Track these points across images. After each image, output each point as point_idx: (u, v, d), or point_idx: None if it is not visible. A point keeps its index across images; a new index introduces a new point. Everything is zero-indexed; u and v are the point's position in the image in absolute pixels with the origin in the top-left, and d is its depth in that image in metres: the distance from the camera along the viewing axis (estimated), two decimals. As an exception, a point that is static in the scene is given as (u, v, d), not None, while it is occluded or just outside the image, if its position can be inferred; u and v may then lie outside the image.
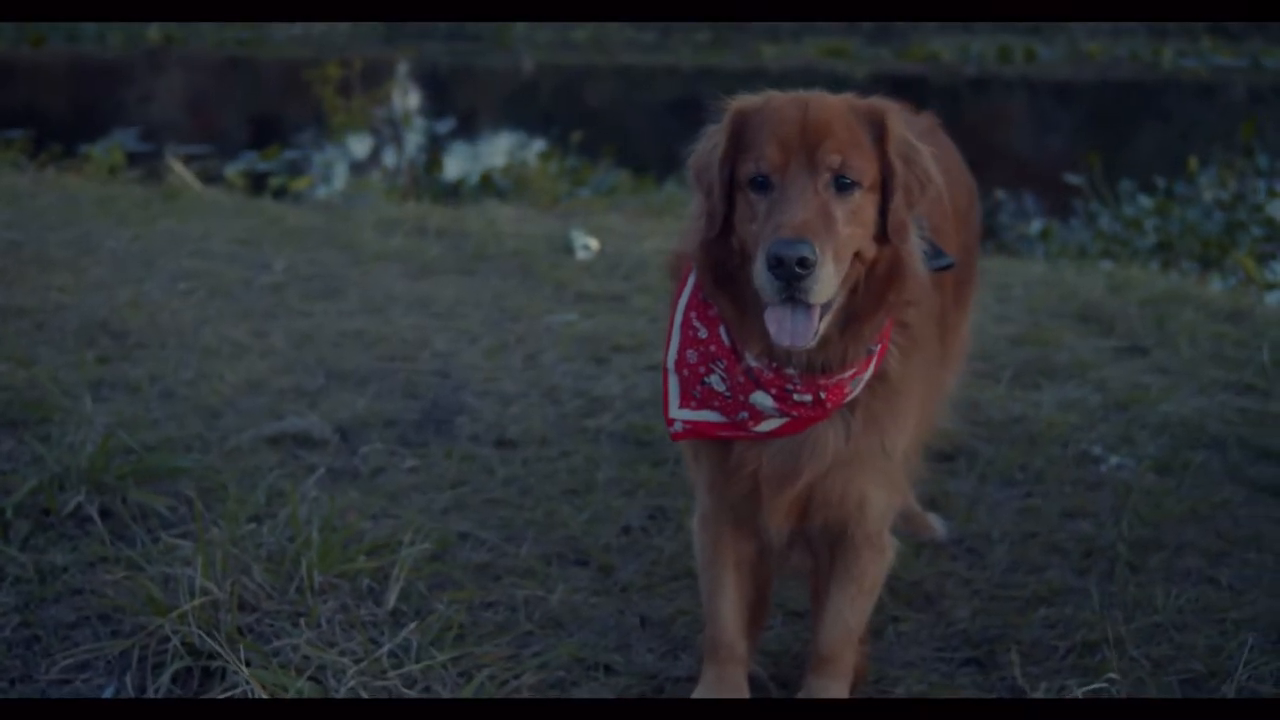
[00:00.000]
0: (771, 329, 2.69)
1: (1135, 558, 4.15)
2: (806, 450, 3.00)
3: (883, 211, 2.80)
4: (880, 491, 3.13)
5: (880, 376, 2.99)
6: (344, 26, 44.75)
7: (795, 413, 2.91)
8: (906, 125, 2.92)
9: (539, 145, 16.26)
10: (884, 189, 2.81)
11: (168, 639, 3.47)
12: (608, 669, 3.61)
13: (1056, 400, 5.48)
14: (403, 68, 32.89)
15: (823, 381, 2.87)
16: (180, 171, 11.15)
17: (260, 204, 10.38)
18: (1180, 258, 10.24)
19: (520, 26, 43.46)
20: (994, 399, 5.48)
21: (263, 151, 15.40)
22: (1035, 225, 12.00)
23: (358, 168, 15.75)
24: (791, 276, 2.58)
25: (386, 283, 7.48)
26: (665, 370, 3.09)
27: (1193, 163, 12.23)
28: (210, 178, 11.97)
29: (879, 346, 2.93)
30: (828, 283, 2.63)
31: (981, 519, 4.46)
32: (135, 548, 4.04)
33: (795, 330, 2.67)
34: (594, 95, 32.17)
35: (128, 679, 3.46)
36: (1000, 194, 13.63)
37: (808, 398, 2.88)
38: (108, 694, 3.45)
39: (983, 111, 28.44)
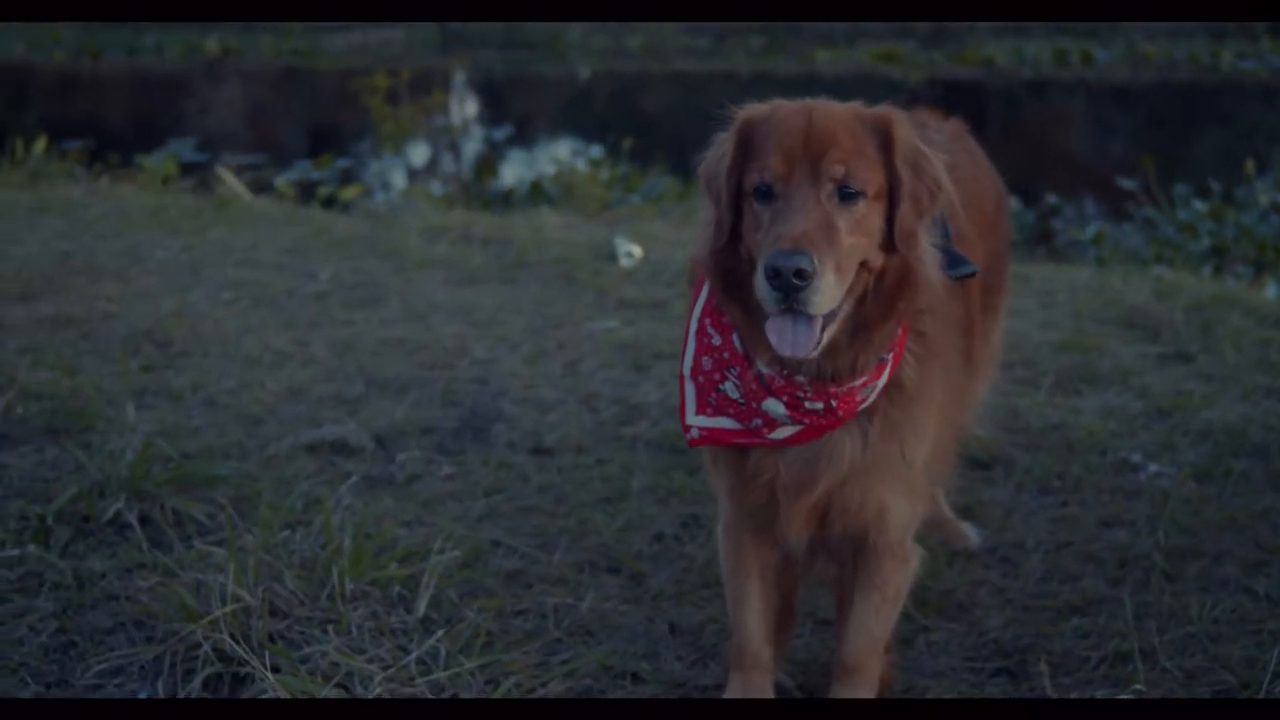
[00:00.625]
0: (773, 339, 2.68)
1: (1171, 567, 4.10)
2: (824, 458, 3.00)
3: (890, 220, 2.78)
4: (901, 500, 3.11)
5: (896, 385, 2.98)
6: (400, 36, 45.05)
7: (808, 420, 2.91)
8: (918, 133, 2.90)
9: (596, 152, 16.28)
10: (891, 198, 2.79)
11: (199, 645, 3.51)
12: (635, 677, 3.61)
13: (1097, 407, 5.42)
14: (460, 76, 33.06)
15: (833, 389, 2.86)
16: (230, 181, 11.25)
17: (308, 213, 10.44)
18: (1234, 263, 10.11)
19: (575, 34, 43.59)
20: (1033, 406, 5.43)
21: (316, 160, 15.50)
22: (1089, 230, 11.87)
23: (416, 175, 15.85)
24: (789, 288, 2.58)
25: (429, 291, 7.52)
26: (682, 377, 3.10)
27: (1249, 166, 12.08)
28: (261, 187, 12.08)
29: (892, 354, 2.92)
30: (828, 294, 2.62)
31: (1016, 527, 4.42)
32: (172, 554, 4.07)
33: (796, 340, 2.66)
34: (650, 102, 32.17)
35: (160, 684, 3.49)
36: (1052, 198, 13.51)
37: (819, 405, 2.87)
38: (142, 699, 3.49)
39: (1040, 115, 28.22)
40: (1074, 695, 3.44)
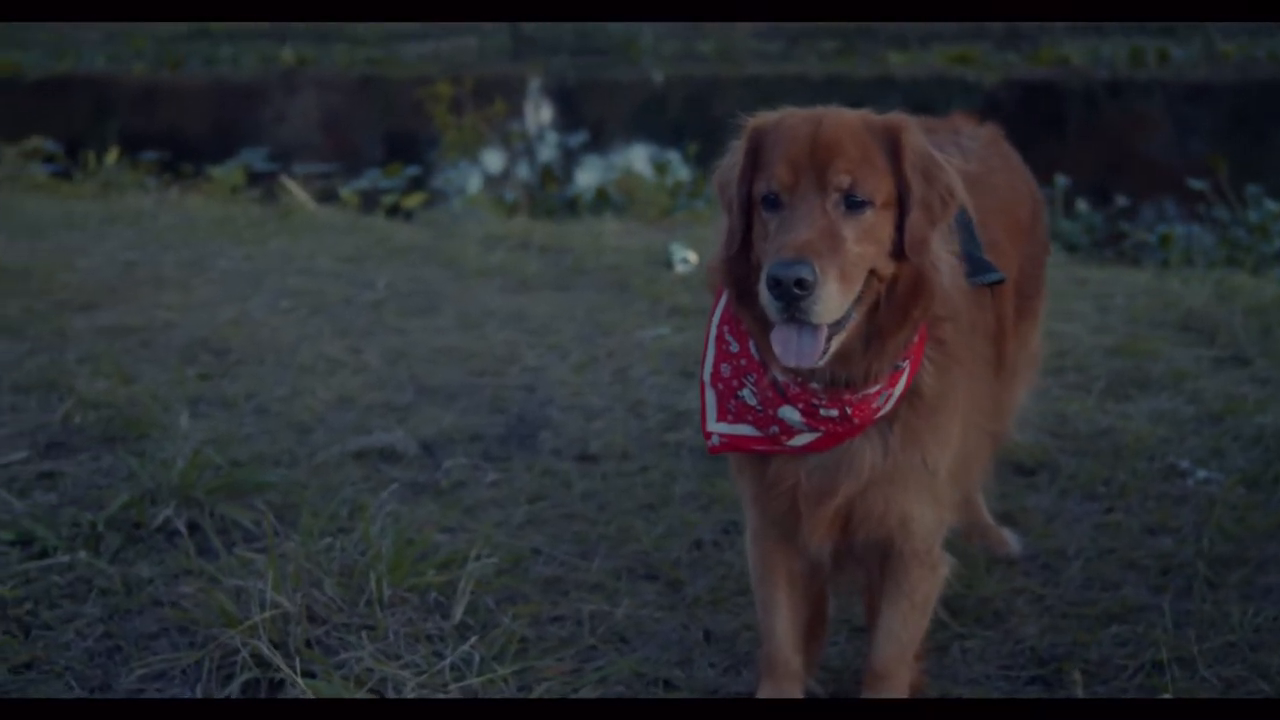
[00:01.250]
0: (777, 349, 2.68)
1: (1214, 574, 4.05)
2: (844, 466, 2.99)
3: (900, 228, 2.77)
4: (926, 509, 3.10)
5: (916, 393, 2.97)
6: (473, 44, 45.33)
7: (823, 428, 2.90)
8: (927, 140, 2.88)
9: (672, 156, 16.29)
10: (901, 205, 2.78)
11: (237, 651, 3.55)
12: (668, 684, 3.62)
13: (1147, 412, 5.36)
14: (534, 83, 33.21)
15: (848, 397, 2.85)
16: (294, 191, 11.38)
17: (371, 222, 10.55)
18: (1307, 265, 9.93)
19: (647, 38, 43.64)
20: (1082, 411, 5.37)
21: (385, 169, 15.63)
22: (1156, 231, 11.71)
23: (491, 183, 15.94)
24: (790, 297, 2.57)
25: (484, 298, 7.57)
26: (702, 384, 3.10)
27: (1325, 166, 11.86)
28: (330, 196, 12.21)
29: (909, 362, 2.90)
30: (831, 303, 2.61)
31: (1059, 534, 4.38)
32: (217, 561, 4.13)
33: (801, 350, 2.65)
34: (723, 106, 32.18)
35: (198, 689, 3.54)
36: (1123, 199, 13.33)
37: (834, 413, 2.87)
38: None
39: (1119, 116, 27.88)
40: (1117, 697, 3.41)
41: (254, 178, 13.48)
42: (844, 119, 2.80)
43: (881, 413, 2.93)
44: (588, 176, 16.51)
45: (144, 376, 6.09)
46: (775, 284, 2.57)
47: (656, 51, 42.53)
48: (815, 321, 2.62)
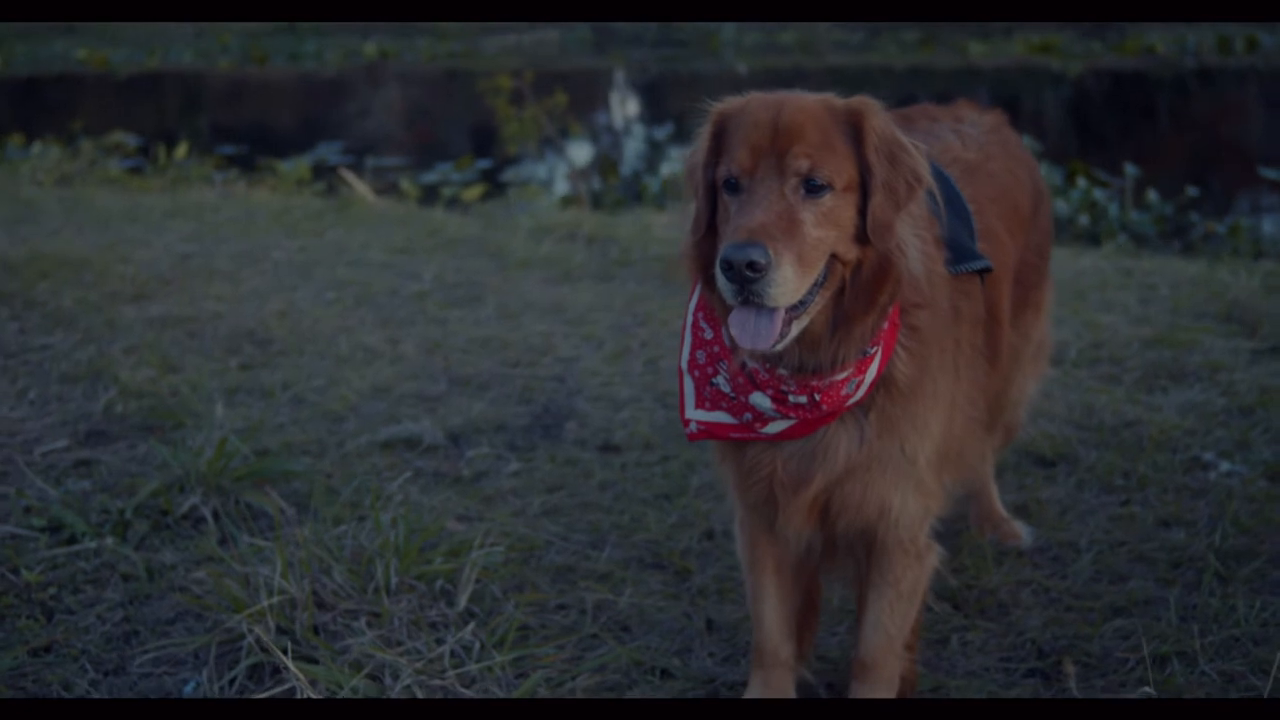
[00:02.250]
0: (734, 332, 2.67)
1: (1225, 568, 3.99)
2: (819, 454, 2.99)
3: (863, 212, 2.76)
4: (907, 498, 3.08)
5: (890, 380, 2.96)
6: (554, 37, 45.50)
7: (793, 414, 2.90)
8: (891, 124, 2.87)
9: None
10: (864, 189, 2.77)
11: (243, 636, 3.62)
12: (665, 673, 3.64)
13: (1178, 404, 5.29)
14: (619, 75, 33.26)
15: (815, 384, 2.85)
16: (354, 183, 11.50)
17: (427, 214, 10.63)
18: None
19: (728, 31, 43.54)
20: (1110, 402, 5.31)
21: (456, 162, 15.74)
22: (1224, 224, 11.51)
23: (569, 175, 15.96)
24: (743, 280, 2.56)
25: (526, 289, 7.62)
26: (680, 371, 3.11)
27: None
28: (392, 189, 12.32)
29: (880, 349, 2.89)
30: (786, 287, 2.59)
31: (1072, 526, 4.35)
32: (236, 548, 4.21)
33: (757, 333, 2.65)
34: (806, 97, 31.95)
35: (204, 673, 3.61)
36: (1192, 190, 13.12)
37: (803, 399, 2.87)
38: (189, 689, 3.61)
39: (1210, 104, 27.40)
40: (1103, 697, 3.38)
41: (322, 171, 13.62)
42: (805, 103, 2.80)
43: (853, 400, 2.92)
44: (672, 168, 16.48)
45: (187, 366, 6.20)
46: (728, 267, 2.57)
47: (737, 43, 42.42)
48: (770, 304, 2.61)
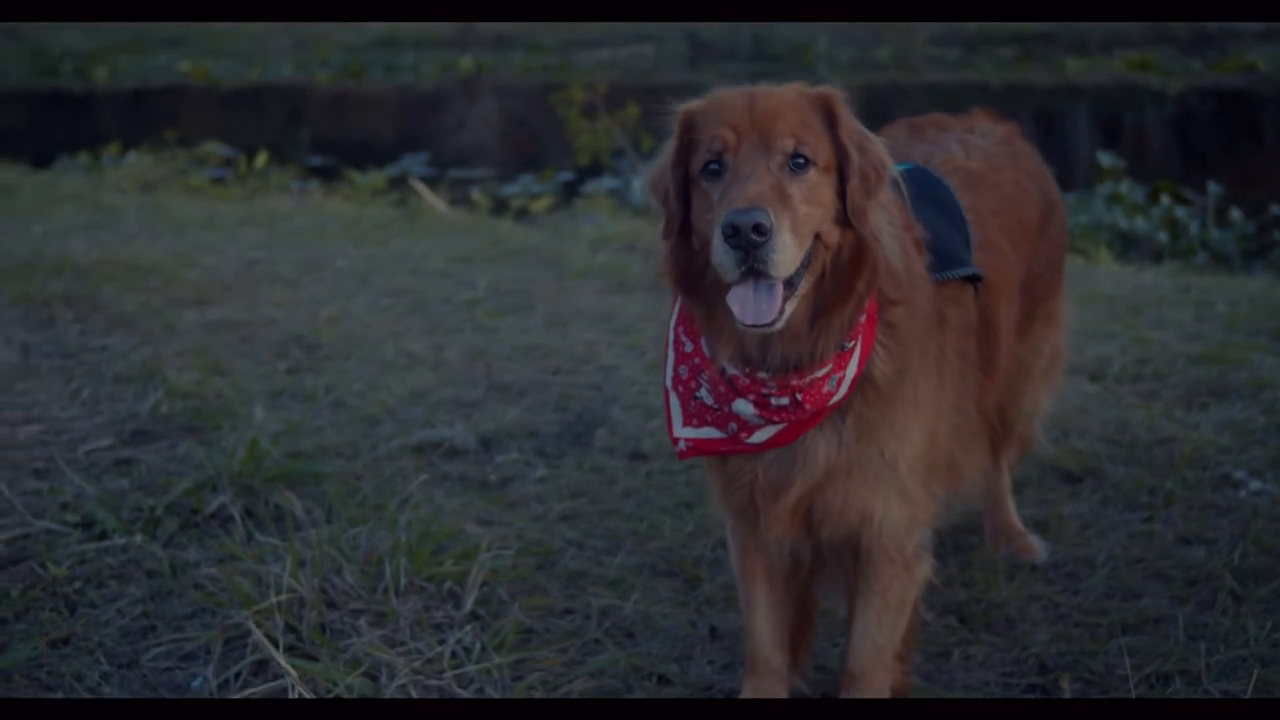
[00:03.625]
0: (735, 309, 2.65)
1: (1242, 587, 3.91)
2: (799, 460, 2.99)
3: (841, 194, 2.78)
4: (891, 505, 3.06)
5: (869, 381, 2.94)
6: (650, 51, 45.58)
7: (777, 418, 2.89)
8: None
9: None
10: (840, 173, 2.78)
11: (249, 633, 3.68)
12: (662, 679, 3.64)
13: (1216, 421, 5.18)
14: (715, 89, 33.20)
15: (795, 382, 2.84)
16: (423, 193, 11.63)
17: (493, 224, 10.72)
18: None
19: (822, 45, 43.41)
20: (1145, 418, 5.22)
21: (539, 174, 15.84)
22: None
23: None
24: (749, 245, 2.55)
25: (578, 299, 7.65)
26: (665, 389, 3.11)
27: None
28: (462, 200, 12.43)
29: (856, 344, 2.87)
30: (786, 253, 2.59)
31: (1091, 542, 4.28)
32: (258, 547, 4.27)
33: (759, 308, 2.63)
34: (902, 113, 31.78)
35: (210, 669, 3.67)
36: (1276, 208, 12.86)
37: (785, 400, 2.86)
38: (196, 683, 3.67)
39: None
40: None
41: (398, 182, 13.77)
42: (780, 89, 2.84)
43: (834, 399, 2.91)
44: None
45: (235, 369, 6.31)
46: (734, 231, 2.55)
47: (831, 58, 42.29)
48: (773, 273, 2.60)
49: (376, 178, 13.14)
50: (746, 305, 2.65)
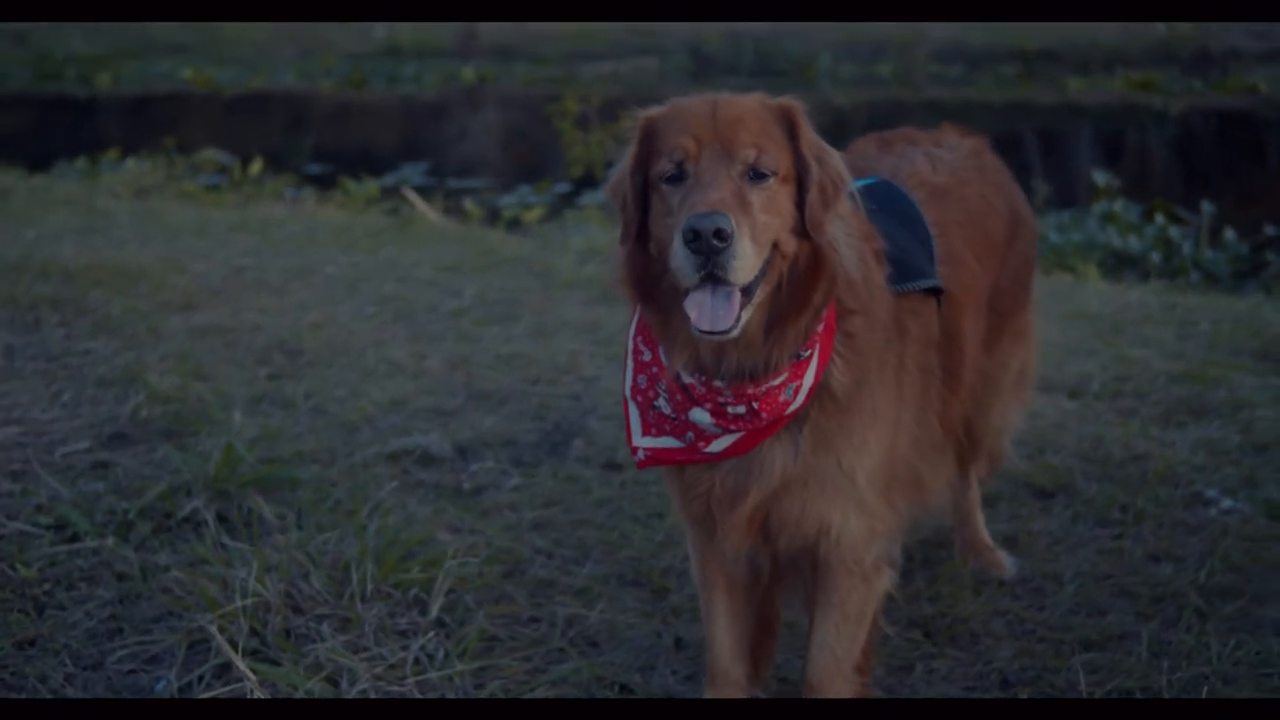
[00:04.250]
0: (692, 314, 2.67)
1: (1207, 604, 3.92)
2: (755, 469, 3.00)
3: (799, 204, 2.80)
4: (849, 517, 3.08)
5: (826, 390, 2.96)
6: (653, 64, 45.62)
7: (734, 426, 2.91)
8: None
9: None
10: (799, 183, 2.82)
11: (212, 637, 3.68)
12: (624, 688, 3.65)
13: (1192, 440, 5.19)
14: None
15: (751, 391, 2.86)
16: (416, 202, 11.63)
17: (484, 234, 10.72)
18: None
19: (824, 61, 43.46)
20: (1121, 436, 5.22)
21: (535, 186, 15.84)
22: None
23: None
24: (710, 250, 2.59)
25: (563, 308, 7.65)
26: (625, 399, 3.13)
27: None
28: (456, 209, 12.45)
29: (813, 353, 2.88)
30: (746, 261, 2.63)
31: (1060, 558, 4.29)
32: (226, 552, 4.28)
33: (715, 314, 2.66)
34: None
35: (173, 672, 3.68)
36: (1270, 229, 12.86)
37: (741, 409, 2.88)
38: (160, 686, 3.68)
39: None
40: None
41: (391, 191, 13.77)
42: (741, 99, 2.87)
43: (791, 407, 2.92)
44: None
45: (218, 375, 6.31)
46: (695, 236, 2.59)
47: (834, 74, 42.35)
48: (731, 280, 2.63)
49: (370, 186, 13.15)
50: (703, 311, 2.67)
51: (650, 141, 2.89)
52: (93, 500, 4.75)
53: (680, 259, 2.64)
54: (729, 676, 3.38)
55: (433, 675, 3.60)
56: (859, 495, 3.07)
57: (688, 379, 2.94)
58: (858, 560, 3.16)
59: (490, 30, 41.78)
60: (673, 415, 3.00)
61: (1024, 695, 3.47)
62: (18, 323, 7.23)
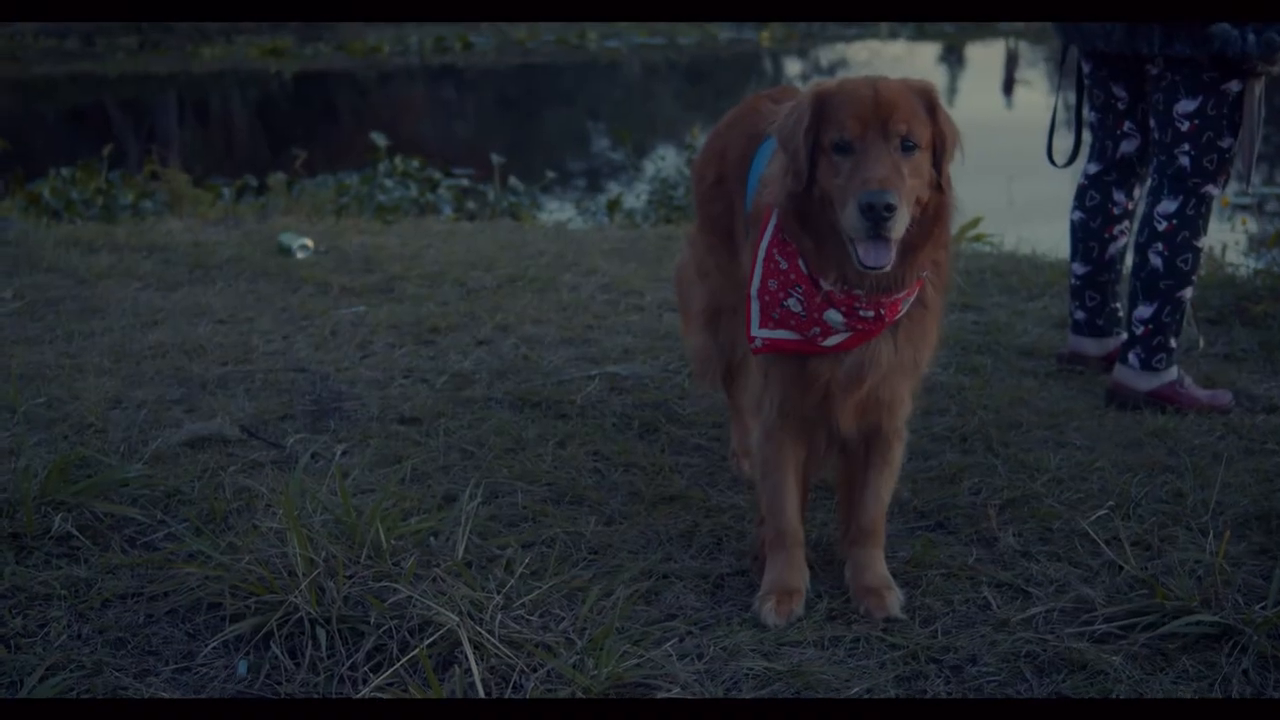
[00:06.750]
0: (860, 253, 3.50)
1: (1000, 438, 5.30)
2: (869, 361, 3.85)
3: (935, 166, 3.66)
4: (907, 395, 4.04)
5: (920, 302, 3.87)
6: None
7: (859, 326, 3.74)
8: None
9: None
10: (934, 149, 3.66)
11: (290, 613, 3.70)
12: (664, 577, 4.17)
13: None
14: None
15: (884, 300, 3.72)
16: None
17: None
18: None
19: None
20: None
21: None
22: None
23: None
24: (879, 219, 3.41)
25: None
26: (748, 296, 3.89)
27: None
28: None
29: (927, 274, 3.80)
30: (903, 220, 3.48)
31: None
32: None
33: (878, 255, 3.49)
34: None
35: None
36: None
37: (870, 313, 3.72)
38: (243, 669, 3.62)
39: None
40: (1011, 529, 4.44)
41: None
42: (895, 83, 3.66)
43: (899, 315, 3.80)
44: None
45: None
46: (870, 209, 3.40)
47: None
48: (891, 236, 3.48)
49: None
50: (869, 252, 3.51)
51: (822, 111, 3.62)
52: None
53: (854, 220, 3.44)
54: (798, 538, 4.13)
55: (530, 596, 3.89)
56: (916, 379, 4.04)
57: (828, 287, 3.68)
58: (900, 428, 4.11)
59: None
60: (803, 314, 3.76)
61: (991, 512, 4.52)
62: None
